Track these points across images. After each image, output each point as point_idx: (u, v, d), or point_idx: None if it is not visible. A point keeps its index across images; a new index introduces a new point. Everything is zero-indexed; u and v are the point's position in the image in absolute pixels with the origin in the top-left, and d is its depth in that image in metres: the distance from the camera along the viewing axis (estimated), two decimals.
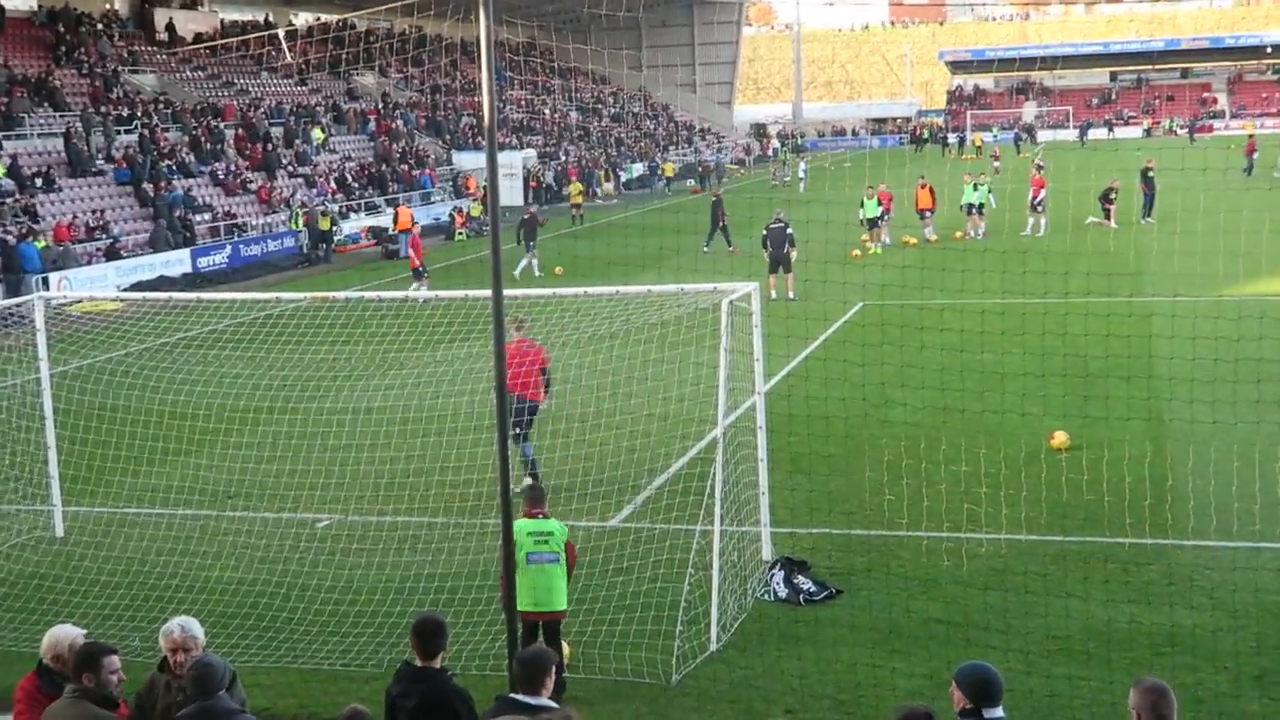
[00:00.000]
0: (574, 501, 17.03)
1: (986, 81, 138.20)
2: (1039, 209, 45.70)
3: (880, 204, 43.63)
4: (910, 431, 19.71)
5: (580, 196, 61.44)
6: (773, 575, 14.55)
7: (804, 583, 14.37)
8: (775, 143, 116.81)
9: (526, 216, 42.15)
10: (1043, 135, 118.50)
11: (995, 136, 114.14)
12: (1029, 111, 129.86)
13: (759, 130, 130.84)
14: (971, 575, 14.59)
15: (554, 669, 8.03)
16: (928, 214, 44.70)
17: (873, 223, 43.51)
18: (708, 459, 15.97)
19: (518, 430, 17.50)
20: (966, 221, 45.61)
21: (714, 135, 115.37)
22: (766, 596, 14.32)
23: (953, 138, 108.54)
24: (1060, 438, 19.08)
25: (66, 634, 8.82)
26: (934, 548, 15.45)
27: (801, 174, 73.78)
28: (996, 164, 71.86)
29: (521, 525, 11.77)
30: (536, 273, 39.93)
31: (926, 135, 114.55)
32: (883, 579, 14.53)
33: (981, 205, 45.42)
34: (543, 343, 18.95)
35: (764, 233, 34.24)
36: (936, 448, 18.47)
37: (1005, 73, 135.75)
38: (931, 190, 44.90)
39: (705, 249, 42.81)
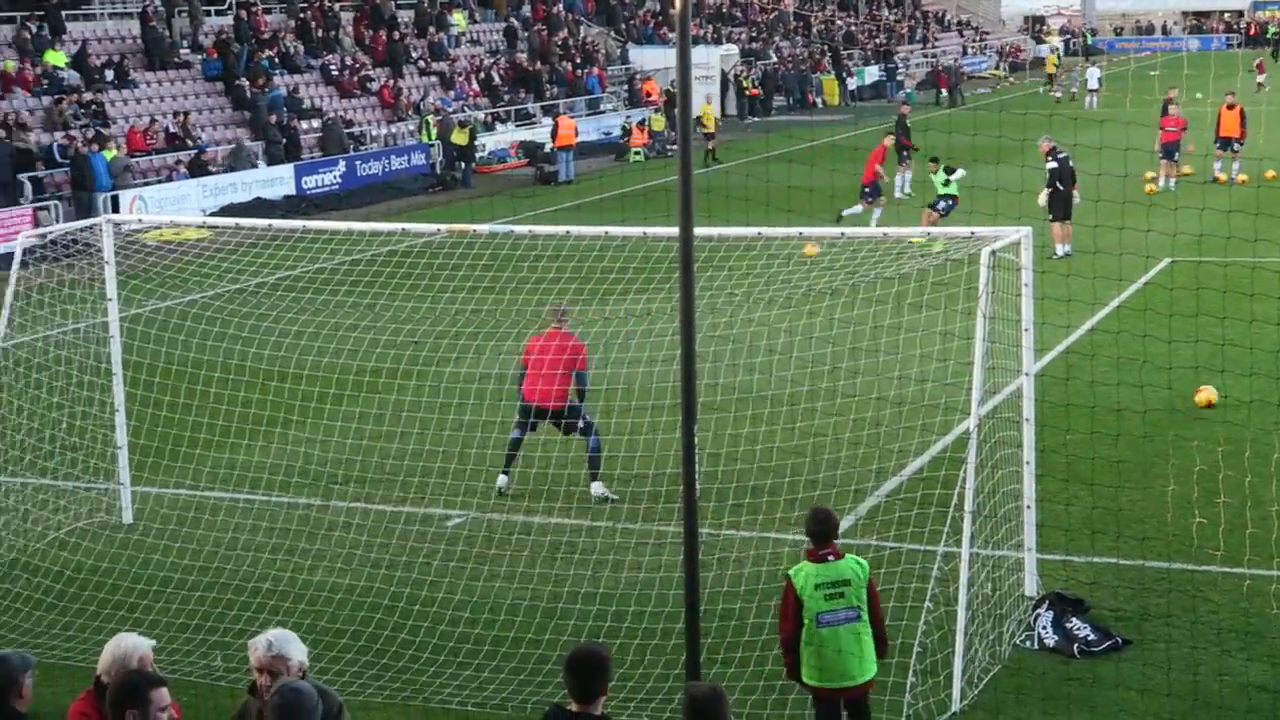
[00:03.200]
0: (778, 509, 17.06)
1: None
2: None
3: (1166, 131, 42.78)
4: (1232, 433, 19.29)
5: (713, 122, 58.37)
6: (1038, 616, 14.42)
7: (1079, 628, 14.22)
8: (1056, 41, 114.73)
9: (898, 117, 46.60)
10: None
11: None
12: None
13: (1035, 25, 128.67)
14: None
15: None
16: (1235, 144, 43.56)
17: (1225, 142, 43.09)
18: (956, 459, 15.84)
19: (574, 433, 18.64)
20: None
21: (973, 30, 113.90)
22: (1029, 644, 14.20)
23: None
24: (1207, 392, 18.87)
25: (132, 646, 9.11)
26: (1259, 589, 15.12)
27: (1094, 85, 72.36)
28: None
29: (804, 575, 11.32)
30: (907, 190, 43.33)
31: (1273, 32, 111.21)
32: (1186, 628, 14.30)
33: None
34: (734, 300, 18.98)
35: (1052, 165, 33.62)
36: (1267, 456, 18.04)
37: None
38: (1242, 113, 43.77)
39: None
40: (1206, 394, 19.16)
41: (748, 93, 74.13)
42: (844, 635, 11.23)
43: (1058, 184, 33.38)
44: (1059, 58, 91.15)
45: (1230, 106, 43.97)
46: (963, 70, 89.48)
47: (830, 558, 11.32)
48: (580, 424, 18.54)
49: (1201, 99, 55.33)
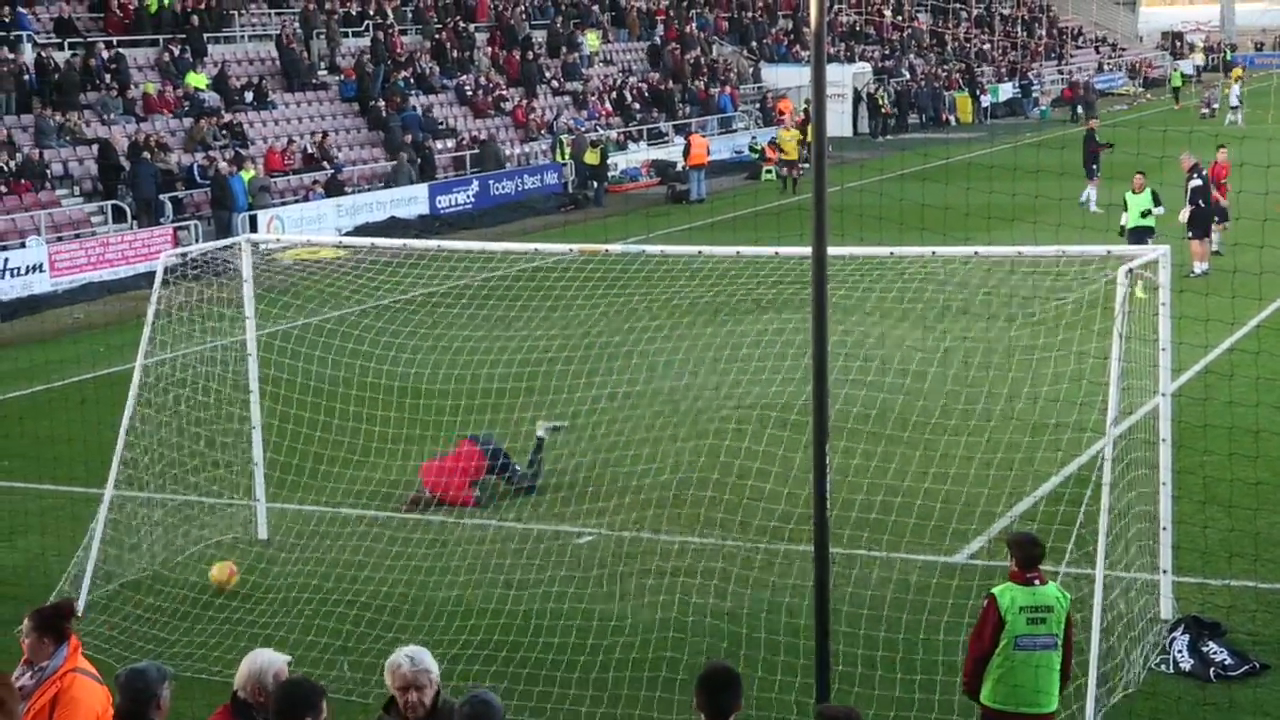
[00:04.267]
0: (908, 530, 16.98)
1: None
2: None
3: None
4: None
5: (794, 147, 54.75)
6: (1174, 640, 14.26)
7: (1216, 651, 14.05)
8: (1199, 58, 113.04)
9: (1087, 131, 46.62)
10: None
11: None
12: None
13: (1174, 40, 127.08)
14: None
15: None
16: None
17: None
18: (1088, 479, 15.69)
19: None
20: None
21: (1110, 47, 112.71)
22: (1164, 667, 14.06)
23: None
24: None
25: (268, 661, 9.23)
26: None
27: (1235, 101, 71.28)
28: None
29: (1010, 595, 11.20)
30: (1093, 208, 42.14)
31: None
32: None
33: None
34: (866, 319, 18.87)
35: (1196, 183, 33.24)
36: None
37: None
38: None
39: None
40: None
41: (882, 110, 73.83)
42: (1038, 662, 11.13)
43: (1200, 201, 32.99)
44: (1182, 75, 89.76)
45: None
46: (1095, 87, 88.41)
47: (1036, 582, 11.22)
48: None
49: None
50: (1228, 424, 17.98)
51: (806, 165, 55.25)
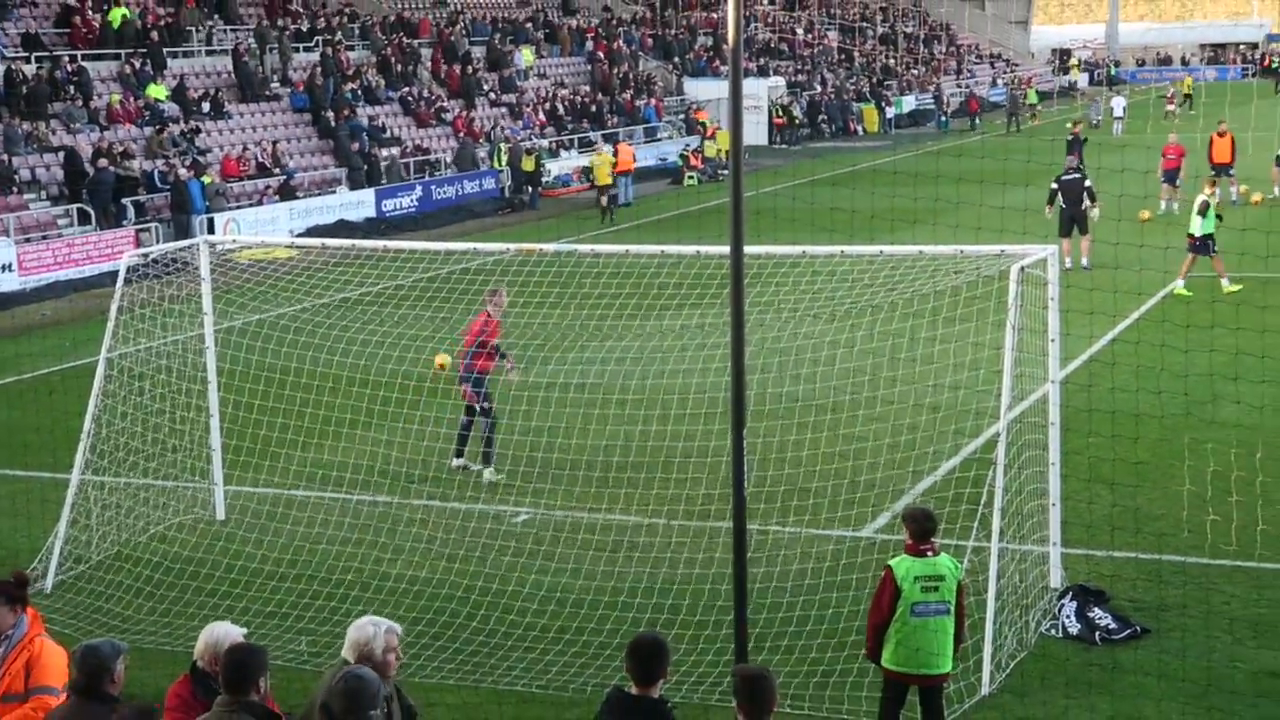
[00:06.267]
0: (821, 508, 17.05)
1: None
2: None
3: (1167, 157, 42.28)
4: (1244, 436, 19.15)
5: (606, 175, 48.97)
6: (1062, 606, 14.38)
7: (1101, 617, 14.17)
8: (1078, 75, 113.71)
9: (1070, 137, 46.04)
10: None
11: None
12: None
13: (1062, 57, 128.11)
14: None
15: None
16: (1229, 170, 43.15)
17: (1219, 168, 42.69)
18: (986, 460, 15.81)
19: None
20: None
21: (1005, 62, 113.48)
22: (1053, 632, 14.17)
23: None
24: None
25: (225, 633, 9.23)
26: (1271, 582, 15.04)
27: (1119, 113, 71.90)
28: None
29: (905, 566, 11.27)
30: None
31: (1277, 65, 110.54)
32: (1201, 618, 14.23)
33: None
34: (781, 314, 18.95)
35: (1054, 185, 33.74)
36: (1278, 458, 17.91)
37: None
38: (1233, 140, 43.36)
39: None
40: None
41: (775, 120, 73.56)
42: (932, 627, 11.21)
43: (1058, 201, 33.48)
44: (1037, 93, 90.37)
45: (1221, 134, 43.63)
46: (981, 98, 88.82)
47: (929, 553, 11.30)
48: (480, 405, 19.41)
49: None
50: (1111, 409, 18.13)
51: (725, 173, 55.57)
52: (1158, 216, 38.81)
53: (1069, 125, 51.11)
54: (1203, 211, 30.16)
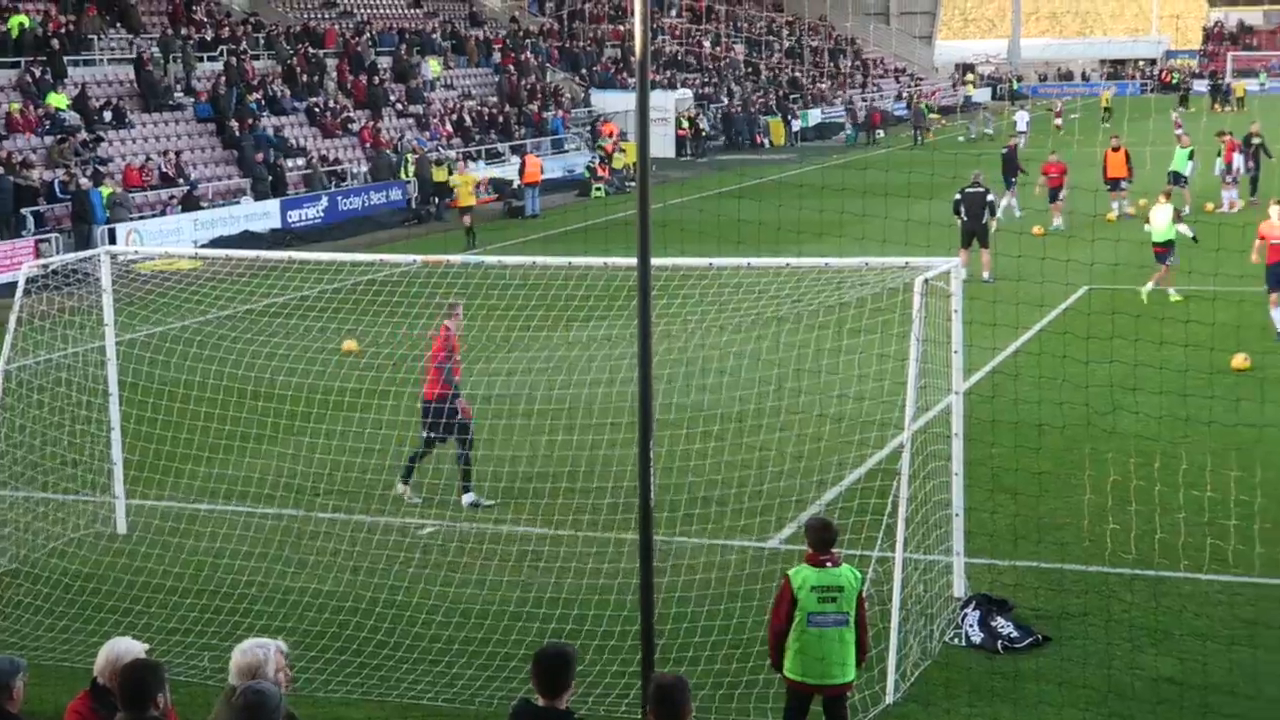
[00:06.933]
0: (726, 518, 17.10)
1: (1254, 15, 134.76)
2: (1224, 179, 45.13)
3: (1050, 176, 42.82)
4: (1143, 446, 19.39)
5: (468, 195, 46.42)
6: (966, 615, 14.48)
7: (1004, 626, 14.29)
8: (973, 90, 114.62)
9: (1006, 151, 45.89)
10: None
11: (1263, 85, 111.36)
12: None
13: (965, 71, 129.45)
14: (1214, 626, 14.36)
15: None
16: (1122, 184, 43.74)
17: (1177, 177, 43.46)
18: (890, 471, 15.91)
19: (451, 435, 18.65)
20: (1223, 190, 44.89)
21: (910, 77, 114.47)
22: (957, 641, 14.27)
23: (1200, 85, 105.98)
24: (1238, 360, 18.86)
25: (126, 649, 9.09)
26: (1168, 590, 15.22)
27: (1022, 127, 72.57)
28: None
29: (802, 576, 11.28)
30: (1017, 213, 42.80)
31: (1176, 80, 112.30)
32: (1101, 626, 14.38)
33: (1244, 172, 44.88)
34: (687, 325, 19.01)
35: (957, 197, 34.11)
36: (1175, 468, 18.16)
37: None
38: (1127, 154, 43.94)
39: (1007, 206, 43.07)
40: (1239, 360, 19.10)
41: (678, 132, 73.71)
42: (830, 637, 11.22)
43: (959, 213, 33.83)
44: (927, 106, 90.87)
45: (1115, 149, 44.16)
46: (882, 112, 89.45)
47: (829, 564, 11.30)
48: (462, 434, 18.68)
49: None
50: (1014, 419, 18.34)
51: (632, 184, 55.45)
52: (1051, 232, 38.98)
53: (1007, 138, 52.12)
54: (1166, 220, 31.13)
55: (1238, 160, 45.48)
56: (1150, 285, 30.02)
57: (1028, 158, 50.29)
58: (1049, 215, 41.39)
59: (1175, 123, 58.71)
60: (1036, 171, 44.27)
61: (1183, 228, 31.00)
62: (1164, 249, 30.85)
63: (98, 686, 9.07)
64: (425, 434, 18.85)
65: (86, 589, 16.03)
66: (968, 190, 33.96)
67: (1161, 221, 31.14)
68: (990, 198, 33.58)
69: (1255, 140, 46.64)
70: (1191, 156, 44.58)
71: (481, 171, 59.31)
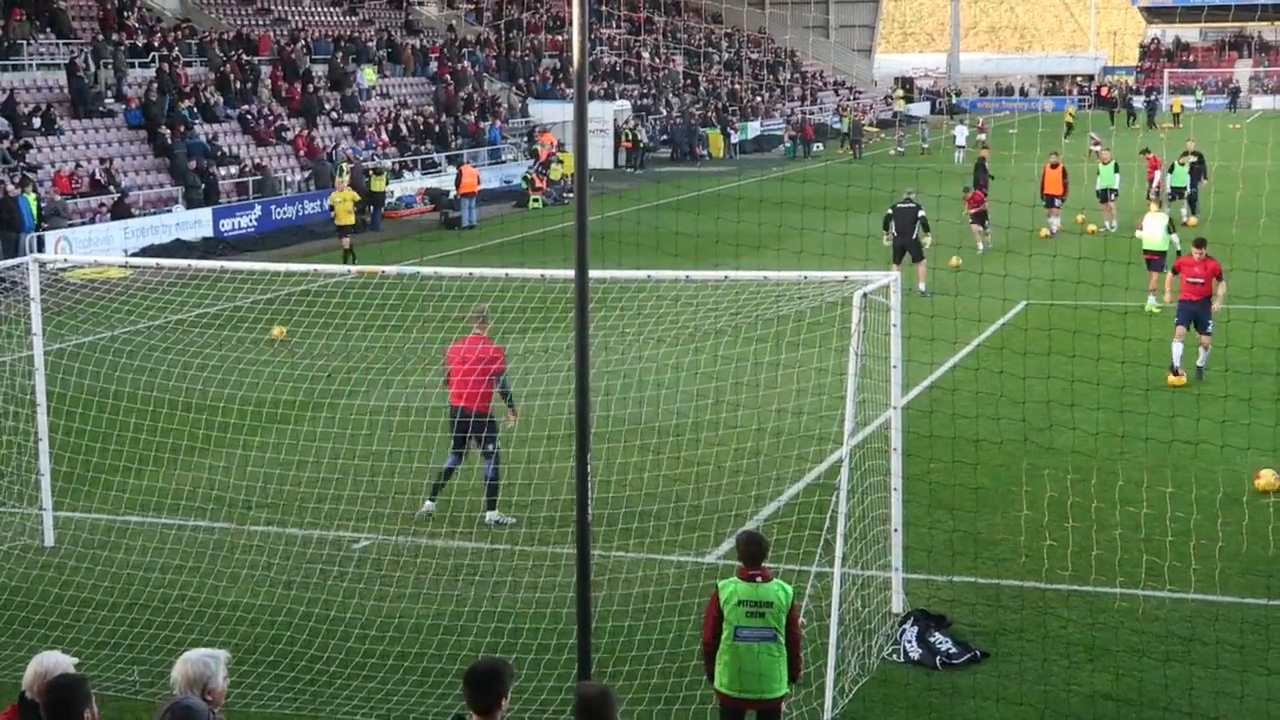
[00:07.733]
0: (664, 532, 17.12)
1: (1190, 33, 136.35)
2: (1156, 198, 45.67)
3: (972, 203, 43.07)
4: (1080, 463, 19.56)
5: (348, 214, 43.38)
6: (904, 631, 14.54)
7: (941, 642, 14.36)
8: (901, 105, 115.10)
9: (977, 161, 46.93)
10: (1259, 102, 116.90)
11: (1200, 102, 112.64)
12: (1242, 71, 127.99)
13: (904, 85, 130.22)
14: (1150, 642, 14.48)
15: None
16: (1057, 201, 44.05)
17: (1104, 195, 44.21)
18: (829, 485, 15.98)
19: (480, 448, 18.10)
20: (1180, 206, 45.35)
21: (848, 90, 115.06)
22: (895, 657, 14.32)
23: (1139, 102, 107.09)
24: (1268, 477, 18.88)
25: (55, 663, 9.00)
26: (1104, 606, 15.34)
27: (961, 141, 73.04)
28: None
29: (730, 589, 11.27)
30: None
31: (1116, 96, 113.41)
32: (1038, 642, 14.47)
33: (1183, 189, 45.30)
34: (625, 338, 19.03)
35: (889, 212, 34.32)
36: (1112, 484, 18.32)
37: (1216, 23, 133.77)
38: (1064, 172, 44.26)
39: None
40: (1267, 479, 18.89)
41: (623, 145, 73.76)
42: (757, 651, 11.21)
43: (889, 228, 34.10)
44: (851, 121, 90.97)
45: (1054, 166, 44.43)
46: (813, 125, 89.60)
47: (758, 579, 11.28)
48: (490, 447, 18.28)
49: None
50: (951, 434, 18.45)
51: (570, 196, 55.15)
52: (985, 252, 38.91)
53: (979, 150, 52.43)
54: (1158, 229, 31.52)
55: (1159, 177, 45.87)
56: (1153, 300, 30.31)
57: (964, 172, 50.67)
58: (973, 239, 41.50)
59: (1093, 140, 59.02)
60: (998, 186, 44.49)
61: (1174, 238, 31.30)
62: (1156, 258, 31.29)
63: (26, 701, 8.97)
64: (467, 449, 18.32)
65: (14, 602, 15.88)
66: (899, 205, 34.14)
67: (1155, 231, 31.66)
68: (922, 213, 33.79)
69: (1190, 158, 47.00)
70: (1117, 169, 44.98)
71: (417, 182, 59.24)
